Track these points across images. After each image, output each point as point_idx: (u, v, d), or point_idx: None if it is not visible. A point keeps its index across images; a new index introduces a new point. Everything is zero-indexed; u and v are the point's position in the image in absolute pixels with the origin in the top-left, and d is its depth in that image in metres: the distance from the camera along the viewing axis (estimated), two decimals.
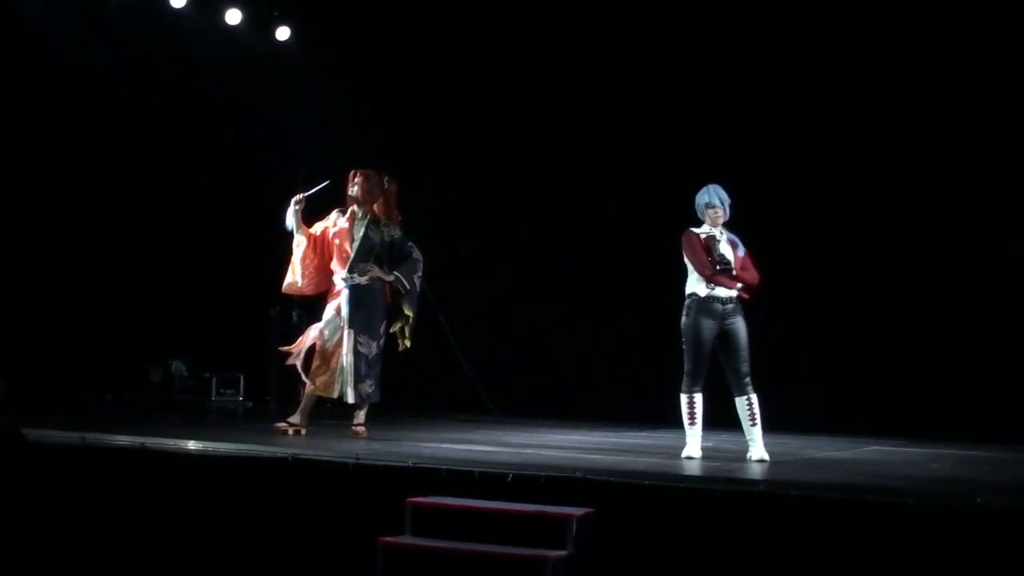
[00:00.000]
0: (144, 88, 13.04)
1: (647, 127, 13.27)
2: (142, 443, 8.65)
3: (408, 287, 10.22)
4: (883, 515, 6.95)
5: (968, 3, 12.01)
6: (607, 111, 13.41)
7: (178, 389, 13.12)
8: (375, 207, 10.23)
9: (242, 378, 13.23)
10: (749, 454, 8.98)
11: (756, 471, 8.49)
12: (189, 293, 13.57)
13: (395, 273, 10.19)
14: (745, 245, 9.19)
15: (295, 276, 10.36)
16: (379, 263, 10.18)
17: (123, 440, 8.79)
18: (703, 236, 9.08)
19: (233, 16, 13.25)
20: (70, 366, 12.59)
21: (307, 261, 10.33)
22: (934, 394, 12.04)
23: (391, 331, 10.25)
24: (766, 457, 8.93)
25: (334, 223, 10.29)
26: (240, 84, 13.39)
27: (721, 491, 7.35)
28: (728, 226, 9.19)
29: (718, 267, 9.00)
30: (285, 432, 9.91)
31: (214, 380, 13.10)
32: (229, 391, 13.19)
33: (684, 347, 9.08)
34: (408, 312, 10.26)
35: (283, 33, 13.63)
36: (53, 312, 12.71)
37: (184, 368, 13.17)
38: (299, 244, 10.30)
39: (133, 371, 13.11)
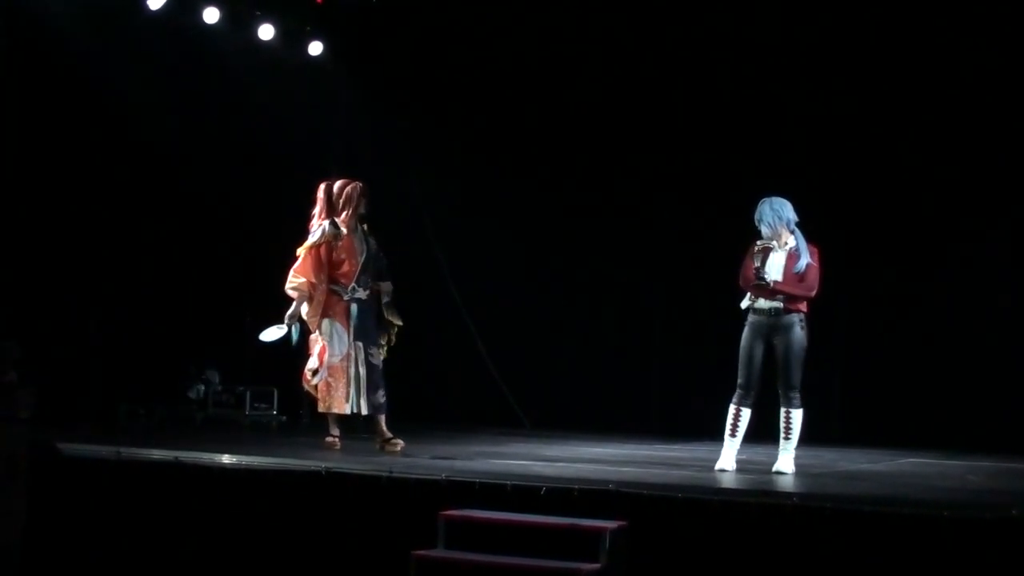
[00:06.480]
0: (177, 103, 13.10)
1: (690, 134, 13.15)
2: (176, 457, 8.69)
3: (390, 297, 10.22)
4: (918, 528, 6.92)
5: None
6: (646, 118, 13.29)
7: (212, 403, 13.15)
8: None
9: (276, 392, 13.25)
10: (774, 465, 8.95)
11: (790, 484, 8.47)
12: (223, 307, 13.59)
13: (382, 284, 10.18)
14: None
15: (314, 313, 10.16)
16: (372, 275, 10.17)
17: (158, 454, 8.83)
18: (758, 247, 9.03)
19: (266, 31, 13.30)
20: (104, 380, 12.62)
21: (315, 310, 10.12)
22: (969, 406, 11.95)
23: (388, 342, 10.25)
24: (787, 470, 8.89)
25: (333, 236, 10.04)
26: (273, 99, 13.43)
27: (755, 504, 7.34)
28: (807, 234, 9.12)
29: (755, 280, 8.98)
30: (334, 445, 9.89)
31: (248, 394, 13.12)
32: (263, 405, 13.20)
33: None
34: (398, 322, 10.24)
35: (315, 48, 13.69)
36: (87, 326, 12.74)
37: (218, 381, 13.20)
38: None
39: (167, 385, 13.14)
